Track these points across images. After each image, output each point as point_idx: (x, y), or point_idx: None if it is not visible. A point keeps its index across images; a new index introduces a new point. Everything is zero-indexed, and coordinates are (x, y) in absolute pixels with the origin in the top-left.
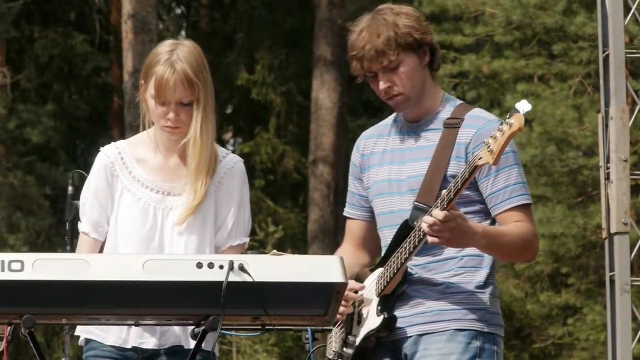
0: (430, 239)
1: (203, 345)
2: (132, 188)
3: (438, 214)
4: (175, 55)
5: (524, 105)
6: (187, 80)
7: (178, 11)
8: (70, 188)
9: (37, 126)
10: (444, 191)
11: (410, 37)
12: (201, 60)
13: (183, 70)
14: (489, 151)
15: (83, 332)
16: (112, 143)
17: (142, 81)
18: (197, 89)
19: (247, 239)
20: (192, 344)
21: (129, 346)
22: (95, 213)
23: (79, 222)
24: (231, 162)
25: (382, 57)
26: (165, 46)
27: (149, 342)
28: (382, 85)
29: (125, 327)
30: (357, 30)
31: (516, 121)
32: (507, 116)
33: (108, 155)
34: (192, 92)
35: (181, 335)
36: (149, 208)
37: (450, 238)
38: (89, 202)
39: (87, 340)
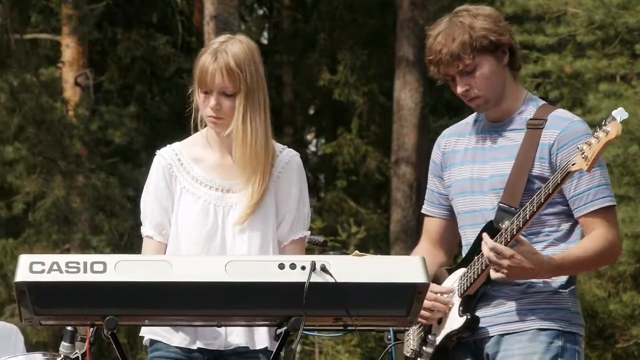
0: (493, 274)
1: (267, 345)
2: (191, 188)
3: (504, 251)
4: (222, 47)
5: (620, 113)
6: (227, 70)
7: (260, 12)
8: None
9: (119, 128)
10: (527, 205)
11: (486, 39)
12: (250, 54)
13: (225, 60)
14: (583, 157)
15: (147, 332)
16: (168, 145)
17: (194, 74)
18: (239, 80)
19: (308, 232)
20: (257, 345)
21: (194, 347)
22: (157, 216)
23: (141, 226)
24: (288, 156)
25: (457, 61)
26: (219, 39)
27: (215, 343)
28: (459, 89)
29: (192, 328)
30: (434, 34)
31: (613, 129)
32: (603, 123)
33: (165, 157)
34: (234, 84)
35: (246, 336)
36: (209, 206)
37: (511, 274)
38: (149, 205)
39: (152, 341)
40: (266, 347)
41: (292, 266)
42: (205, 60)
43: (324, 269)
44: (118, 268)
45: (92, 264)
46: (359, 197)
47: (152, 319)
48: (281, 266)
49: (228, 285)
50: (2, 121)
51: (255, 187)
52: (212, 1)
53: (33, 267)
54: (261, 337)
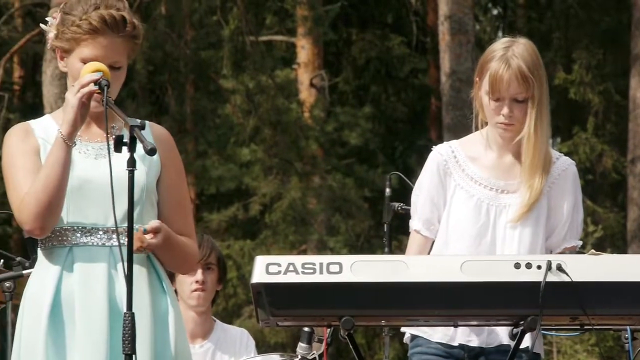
0: None
1: (530, 346)
2: (465, 185)
3: None
4: (510, 52)
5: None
6: (521, 76)
7: (495, 12)
8: (388, 190)
9: (355, 128)
10: None
11: None
12: (536, 57)
13: (518, 67)
14: None
15: (409, 328)
16: (445, 142)
17: (477, 78)
18: (531, 85)
19: (580, 242)
20: (523, 343)
21: (455, 344)
22: (427, 211)
23: (409, 220)
24: (565, 164)
25: None
26: (500, 43)
27: (476, 340)
28: None
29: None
30: None
31: None
32: None
33: (441, 153)
34: (527, 89)
35: (508, 334)
36: (482, 205)
37: None
38: (421, 200)
39: (413, 337)
40: (527, 347)
41: (528, 265)
42: (498, 68)
43: (560, 268)
44: (354, 268)
45: (328, 264)
46: (596, 196)
47: (388, 319)
48: (517, 266)
49: (464, 285)
50: (239, 123)
51: (533, 187)
52: (446, 1)
53: (269, 268)
54: (525, 337)
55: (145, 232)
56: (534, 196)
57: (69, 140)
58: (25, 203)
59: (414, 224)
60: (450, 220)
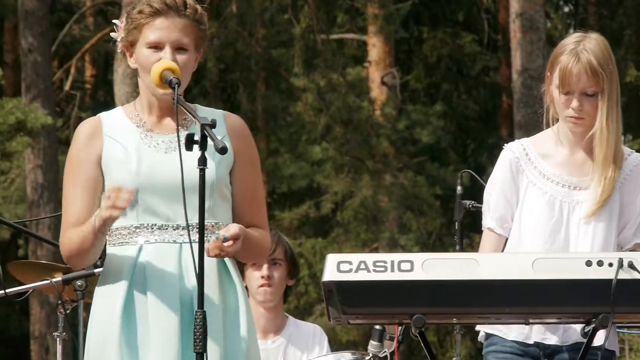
0: None
1: (603, 343)
2: (537, 182)
3: None
4: (581, 46)
5: None
6: (591, 70)
7: (566, 9)
8: (459, 188)
9: (426, 126)
10: None
11: None
12: (607, 52)
13: (588, 61)
14: None
15: (484, 327)
16: (516, 140)
17: (548, 73)
18: (601, 80)
19: None
20: (595, 342)
21: (531, 342)
22: (501, 208)
23: (482, 218)
24: (637, 160)
25: None
26: (572, 38)
27: (552, 338)
28: None
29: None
30: None
31: None
32: None
33: (513, 150)
34: (597, 83)
35: (580, 332)
36: (554, 202)
37: None
38: (494, 197)
39: (488, 335)
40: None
41: (600, 263)
42: (568, 61)
43: (631, 265)
44: (425, 266)
45: (399, 262)
46: None
47: (459, 317)
48: (588, 263)
49: (535, 283)
50: (310, 121)
51: (606, 183)
52: None
53: (340, 266)
54: (599, 335)
55: (225, 239)
56: (607, 192)
57: (99, 232)
58: (63, 243)
59: (487, 222)
60: (523, 217)
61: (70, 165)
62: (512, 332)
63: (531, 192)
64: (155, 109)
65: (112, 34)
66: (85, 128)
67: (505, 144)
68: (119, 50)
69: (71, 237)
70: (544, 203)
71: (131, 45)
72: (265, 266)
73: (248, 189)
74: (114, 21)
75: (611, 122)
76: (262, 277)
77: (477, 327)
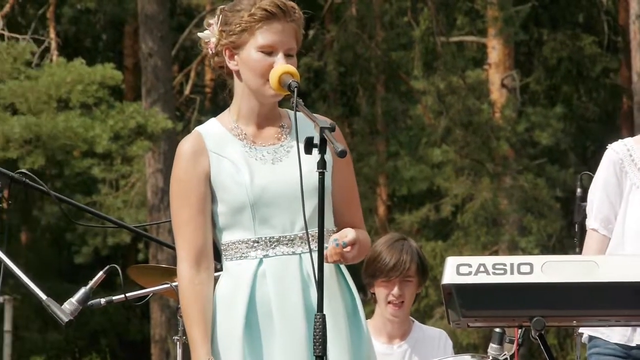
0: None
1: None
2: None
3: None
4: None
5: None
6: None
7: None
8: (578, 190)
9: (546, 129)
10: None
11: None
12: None
13: None
14: None
15: (587, 329)
16: (620, 140)
17: None
18: None
19: None
20: None
21: (633, 344)
22: (605, 209)
23: (586, 219)
24: None
25: None
26: None
27: None
28: None
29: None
30: None
31: None
32: None
33: (617, 151)
34: None
35: None
36: None
37: None
38: (597, 198)
39: (591, 338)
40: None
41: None
42: None
43: None
44: (545, 269)
45: (519, 265)
46: None
47: (579, 319)
48: None
49: None
50: (430, 124)
51: None
52: (638, 0)
53: (460, 269)
54: None
55: (345, 245)
56: None
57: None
58: (179, 276)
59: (591, 222)
60: (626, 219)
61: (178, 187)
62: (615, 334)
63: (634, 194)
64: (255, 116)
65: (201, 34)
66: (188, 146)
67: (609, 145)
68: (211, 52)
69: (183, 292)
70: None
71: (234, 47)
72: (397, 286)
73: (347, 190)
74: (208, 21)
75: None
76: (393, 295)
77: (580, 330)
